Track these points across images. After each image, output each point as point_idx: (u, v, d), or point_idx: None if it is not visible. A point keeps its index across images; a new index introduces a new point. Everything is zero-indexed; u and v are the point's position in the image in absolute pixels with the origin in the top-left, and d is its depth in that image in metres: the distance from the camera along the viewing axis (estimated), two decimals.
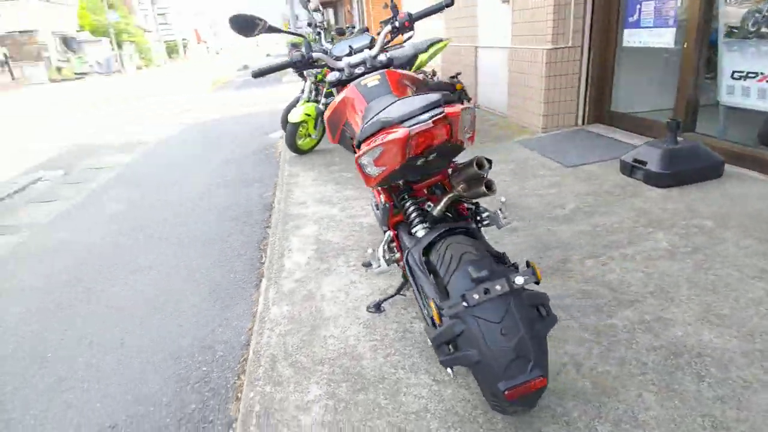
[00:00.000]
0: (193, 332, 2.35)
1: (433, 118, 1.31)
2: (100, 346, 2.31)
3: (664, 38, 4.03)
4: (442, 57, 7.66)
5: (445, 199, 1.75)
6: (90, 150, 7.09)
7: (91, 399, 1.97)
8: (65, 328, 2.50)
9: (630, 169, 3.41)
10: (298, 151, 5.21)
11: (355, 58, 2.16)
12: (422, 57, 5.08)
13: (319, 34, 5.07)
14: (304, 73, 5.03)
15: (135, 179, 5.31)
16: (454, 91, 5.27)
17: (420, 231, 1.75)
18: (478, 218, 1.86)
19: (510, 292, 1.26)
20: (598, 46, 4.67)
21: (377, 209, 2.18)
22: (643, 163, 3.28)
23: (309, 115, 5.01)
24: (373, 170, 1.50)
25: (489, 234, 2.79)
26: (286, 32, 2.21)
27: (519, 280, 1.27)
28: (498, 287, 1.25)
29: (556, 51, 4.62)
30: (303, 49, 2.17)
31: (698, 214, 2.74)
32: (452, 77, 5.43)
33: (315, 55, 2.16)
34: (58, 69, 26.55)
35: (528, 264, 1.33)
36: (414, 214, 1.78)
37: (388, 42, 2.24)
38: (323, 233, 3.10)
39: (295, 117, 4.99)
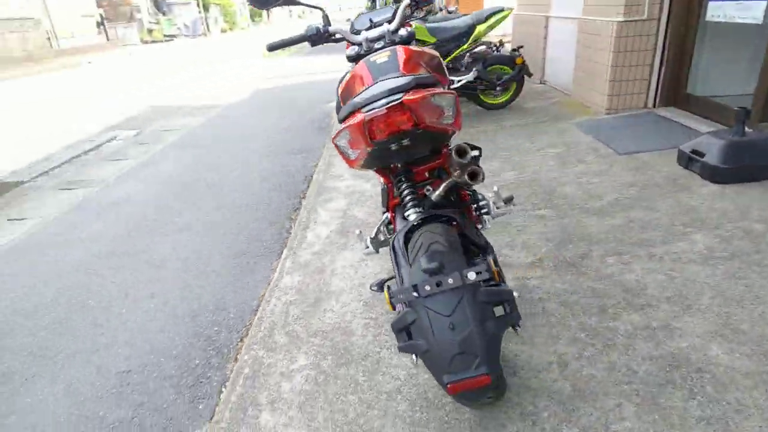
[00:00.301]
0: (214, 293, 2.52)
1: (388, 105, 1.27)
2: (133, 298, 2.54)
3: (754, 12, 3.58)
4: (514, 27, 7.30)
5: (443, 185, 1.72)
6: (165, 112, 7.58)
7: (116, 344, 2.20)
8: (108, 278, 2.77)
9: (687, 160, 3.13)
10: None
11: (373, 33, 2.13)
12: (480, 28, 4.88)
13: (374, 1, 5.02)
14: None
15: (197, 142, 5.63)
16: (514, 65, 5.03)
17: (412, 215, 1.74)
18: (475, 206, 1.82)
19: (462, 286, 1.24)
20: (678, 19, 4.24)
21: None
22: (701, 154, 2.99)
23: None
24: (351, 153, 1.50)
25: (514, 222, 2.71)
26: (304, 4, 2.21)
27: (471, 275, 1.24)
28: (450, 280, 1.23)
29: (628, 24, 4.26)
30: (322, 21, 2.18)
31: (750, 216, 2.48)
32: (513, 50, 5.16)
33: (331, 28, 2.15)
34: (149, 31, 28.27)
35: (485, 259, 1.30)
36: (408, 198, 1.77)
37: (408, 16, 2.18)
38: (351, 208, 3.15)
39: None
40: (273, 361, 1.87)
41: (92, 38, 23.19)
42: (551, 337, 1.81)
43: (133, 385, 1.93)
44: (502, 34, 8.08)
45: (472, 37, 4.91)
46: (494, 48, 5.48)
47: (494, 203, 1.75)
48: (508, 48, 5.48)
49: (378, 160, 1.58)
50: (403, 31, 2.13)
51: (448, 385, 1.22)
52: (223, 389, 1.85)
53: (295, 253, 2.68)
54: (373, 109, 1.30)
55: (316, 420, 1.59)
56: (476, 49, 5.18)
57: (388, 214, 1.94)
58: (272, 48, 2.12)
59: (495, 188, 1.77)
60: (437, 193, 1.70)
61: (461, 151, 1.51)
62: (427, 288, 1.24)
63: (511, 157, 3.77)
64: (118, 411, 1.80)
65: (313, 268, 2.49)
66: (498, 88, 5.11)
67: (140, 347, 2.15)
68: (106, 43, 23.52)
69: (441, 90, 1.36)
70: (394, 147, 1.43)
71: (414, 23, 4.85)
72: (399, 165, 1.85)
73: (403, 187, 1.81)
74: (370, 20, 2.30)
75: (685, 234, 2.40)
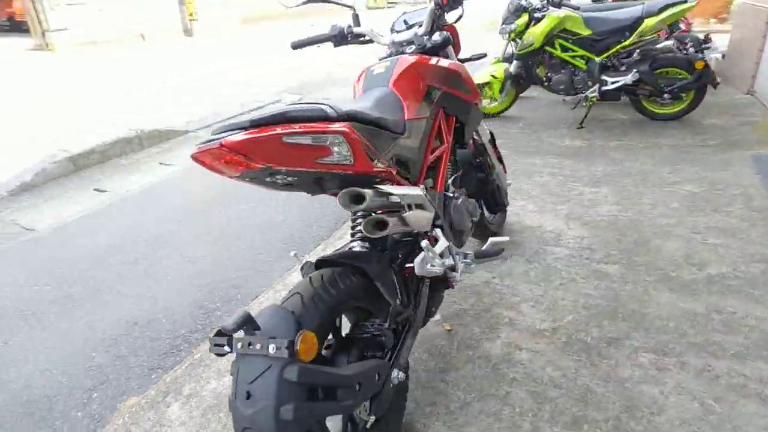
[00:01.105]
0: (240, 272, 2.66)
1: (206, 145, 1.10)
2: (184, 257, 2.85)
3: None
4: (734, 19, 5.81)
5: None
6: (336, 80, 8.10)
7: (146, 296, 2.49)
8: (182, 233, 3.14)
9: None
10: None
11: (401, 36, 1.95)
12: (649, 21, 4.01)
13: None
14: (500, 28, 4.57)
15: None
16: (692, 69, 4.03)
17: (356, 246, 1.59)
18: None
19: (268, 356, 1.08)
20: None
21: None
22: None
23: (495, 77, 4.62)
24: None
25: (566, 272, 2.27)
26: (333, 2, 2.08)
27: (271, 348, 1.07)
28: (258, 346, 1.09)
29: None
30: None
31: None
32: (696, 50, 4.11)
33: (358, 29, 2.01)
34: None
35: (294, 338, 1.08)
36: (355, 228, 1.61)
37: (436, 19, 1.91)
38: None
39: (478, 77, 4.68)
40: (214, 359, 1.93)
41: None
42: (468, 426, 1.49)
43: (129, 337, 2.20)
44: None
45: (637, 31, 4.08)
46: (686, 45, 4.45)
47: (425, 258, 1.47)
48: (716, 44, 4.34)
49: (275, 188, 1.41)
50: (437, 36, 1.88)
51: None
52: (178, 366, 1.99)
53: (325, 249, 2.68)
54: (202, 144, 1.15)
55: (207, 428, 1.61)
56: (660, 45, 4.28)
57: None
58: (296, 46, 2.08)
59: (424, 243, 1.48)
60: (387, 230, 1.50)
61: (357, 198, 1.29)
62: (239, 346, 1.12)
63: (629, 186, 3.10)
64: (104, 356, 2.09)
65: None
66: (666, 96, 4.18)
67: (158, 304, 2.43)
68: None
69: (301, 128, 1.13)
70: (279, 181, 1.28)
71: (566, 11, 4.21)
72: None
73: (357, 215, 1.65)
74: (405, 22, 2.09)
75: None
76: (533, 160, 3.73)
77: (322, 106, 1.23)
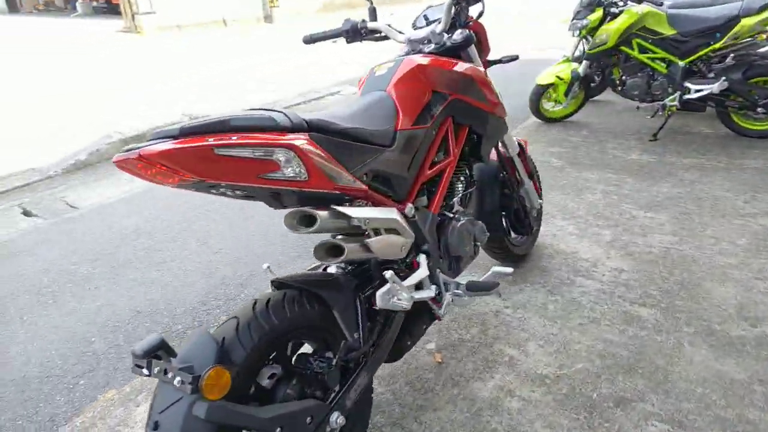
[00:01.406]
0: (251, 269, 2.59)
1: (129, 152, 0.98)
2: (207, 246, 2.87)
3: None
4: None
5: None
6: None
7: (157, 283, 2.52)
8: (210, 223, 3.17)
9: None
10: (543, 117, 4.57)
11: (418, 33, 1.79)
12: (747, 21, 3.47)
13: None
14: (570, 24, 4.17)
15: None
16: None
17: (332, 267, 1.48)
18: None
19: (177, 388, 0.98)
20: None
21: None
22: None
23: (561, 78, 4.25)
24: None
25: (590, 310, 2.01)
26: None
27: (176, 380, 0.97)
28: (170, 375, 0.99)
29: None
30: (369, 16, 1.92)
31: None
32: None
33: (372, 24, 1.86)
34: None
35: (202, 372, 0.97)
36: None
37: (456, 14, 1.72)
38: None
39: (542, 77, 4.34)
40: None
41: None
42: None
43: (130, 326, 2.23)
44: None
45: (731, 33, 3.55)
46: None
47: (390, 290, 1.31)
48: None
49: (235, 198, 1.31)
50: (457, 35, 1.69)
51: None
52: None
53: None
54: (121, 153, 1.05)
55: None
56: (762, 49, 3.72)
57: None
58: (308, 41, 1.97)
59: (388, 273, 1.32)
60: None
61: (307, 220, 1.16)
62: (155, 371, 1.03)
63: (693, 214, 2.71)
64: (101, 343, 2.13)
65: None
66: (759, 110, 3.62)
67: (166, 294, 2.45)
68: None
69: (239, 139, 1.01)
70: (228, 192, 1.17)
71: (647, 6, 3.74)
72: None
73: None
74: (426, 17, 1.91)
75: None
76: (588, 174, 3.38)
77: (273, 114, 1.10)
